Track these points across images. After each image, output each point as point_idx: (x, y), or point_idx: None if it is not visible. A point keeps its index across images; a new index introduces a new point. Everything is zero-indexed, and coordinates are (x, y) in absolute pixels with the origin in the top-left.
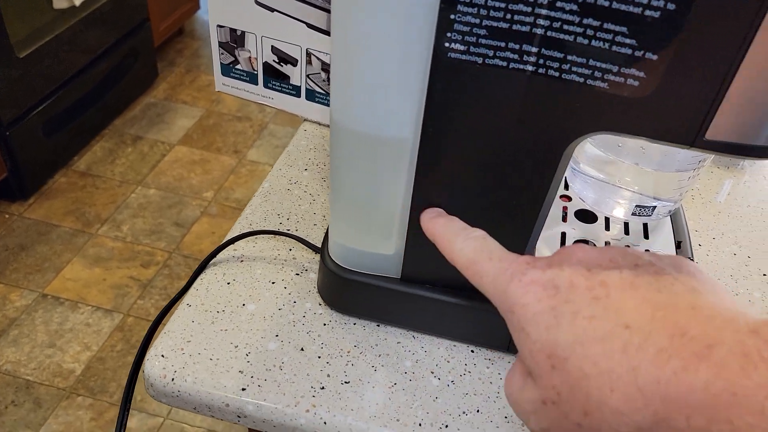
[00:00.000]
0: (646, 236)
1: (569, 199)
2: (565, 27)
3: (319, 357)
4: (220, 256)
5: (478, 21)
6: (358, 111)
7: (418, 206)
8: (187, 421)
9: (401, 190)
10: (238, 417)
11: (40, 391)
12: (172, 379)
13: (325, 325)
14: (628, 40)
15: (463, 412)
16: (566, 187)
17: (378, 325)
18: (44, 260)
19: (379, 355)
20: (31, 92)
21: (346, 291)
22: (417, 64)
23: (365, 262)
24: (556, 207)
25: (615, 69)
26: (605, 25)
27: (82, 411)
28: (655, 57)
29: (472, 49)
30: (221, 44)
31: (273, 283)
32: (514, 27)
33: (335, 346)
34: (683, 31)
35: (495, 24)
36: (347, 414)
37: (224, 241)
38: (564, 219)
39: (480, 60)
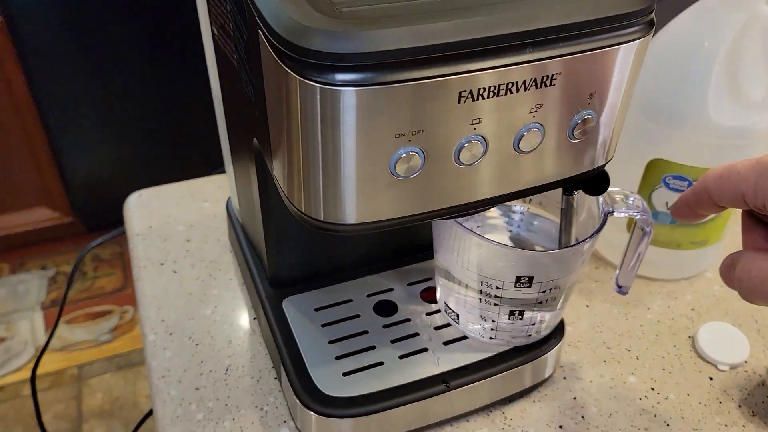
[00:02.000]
0: (447, 343)
1: None
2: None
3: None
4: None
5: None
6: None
7: (232, 149)
8: None
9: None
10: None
11: None
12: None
13: (204, 237)
14: (236, 55)
15: (190, 338)
16: None
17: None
18: None
19: (219, 269)
20: None
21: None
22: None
23: None
24: (414, 275)
25: (245, 79)
26: (238, 33)
27: None
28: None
29: (214, 31)
30: None
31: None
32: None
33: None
34: (245, 63)
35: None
36: (150, 288)
37: None
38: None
39: (218, 42)
